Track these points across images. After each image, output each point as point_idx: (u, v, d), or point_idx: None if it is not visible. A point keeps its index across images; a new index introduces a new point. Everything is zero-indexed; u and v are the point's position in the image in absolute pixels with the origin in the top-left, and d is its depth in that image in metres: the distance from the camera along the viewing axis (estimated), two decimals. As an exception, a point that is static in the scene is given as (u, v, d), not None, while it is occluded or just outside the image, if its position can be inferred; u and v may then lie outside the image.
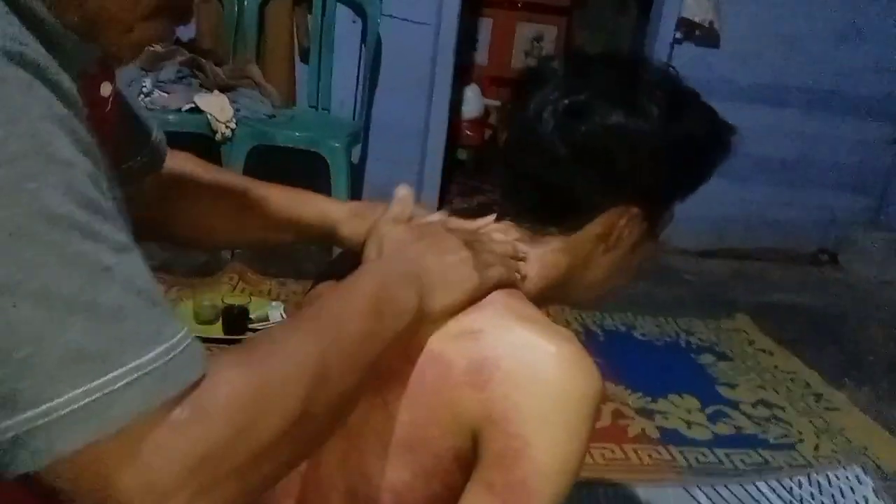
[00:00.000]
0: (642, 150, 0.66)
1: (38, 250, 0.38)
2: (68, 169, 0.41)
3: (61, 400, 0.38)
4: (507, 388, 0.59)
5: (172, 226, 0.84)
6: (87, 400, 0.38)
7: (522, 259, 0.71)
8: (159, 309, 0.43)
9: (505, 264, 0.68)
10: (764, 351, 2.49)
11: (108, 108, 0.59)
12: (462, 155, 4.02)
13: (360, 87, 2.88)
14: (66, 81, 0.43)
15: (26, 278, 0.38)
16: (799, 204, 3.48)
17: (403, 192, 0.73)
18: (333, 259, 0.87)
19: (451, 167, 3.45)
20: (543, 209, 0.71)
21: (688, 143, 0.69)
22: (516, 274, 0.70)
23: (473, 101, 4.04)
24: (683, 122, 0.68)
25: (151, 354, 0.41)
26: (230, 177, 0.86)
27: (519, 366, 0.59)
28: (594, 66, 0.70)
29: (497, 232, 0.73)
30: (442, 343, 0.63)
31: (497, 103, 4.27)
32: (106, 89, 0.58)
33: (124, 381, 0.39)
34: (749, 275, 3.25)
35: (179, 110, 2.43)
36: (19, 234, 0.38)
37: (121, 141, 0.71)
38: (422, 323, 0.61)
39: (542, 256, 0.72)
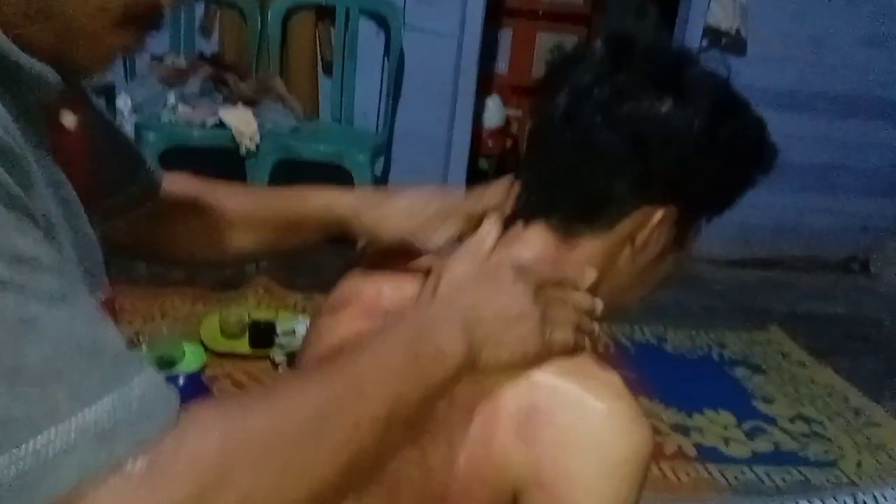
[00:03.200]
0: (689, 144, 0.61)
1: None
2: None
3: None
4: (557, 447, 0.56)
5: (177, 247, 0.82)
6: (14, 469, 0.35)
7: (594, 322, 0.64)
8: (107, 359, 0.39)
9: (576, 327, 0.61)
10: (799, 363, 2.44)
11: (72, 139, 0.55)
12: (484, 165, 3.99)
13: (383, 99, 2.87)
14: (2, 125, 0.40)
15: None
16: (828, 211, 3.41)
17: (489, 227, 0.65)
18: (335, 291, 0.80)
19: (472, 177, 3.42)
20: (576, 204, 0.65)
21: (732, 148, 0.64)
22: (586, 341, 0.63)
23: (495, 111, 4.00)
24: (731, 124, 0.63)
25: (95, 413, 0.37)
26: (228, 188, 0.84)
27: (572, 424, 0.56)
28: (639, 52, 0.64)
29: (579, 291, 0.65)
30: (496, 381, 0.59)
31: (518, 113, 4.24)
32: (68, 119, 0.55)
33: (59, 447, 0.36)
34: (779, 284, 3.19)
35: (204, 125, 2.43)
36: None
37: (109, 171, 0.69)
38: (470, 374, 0.56)
39: (577, 265, 0.66)
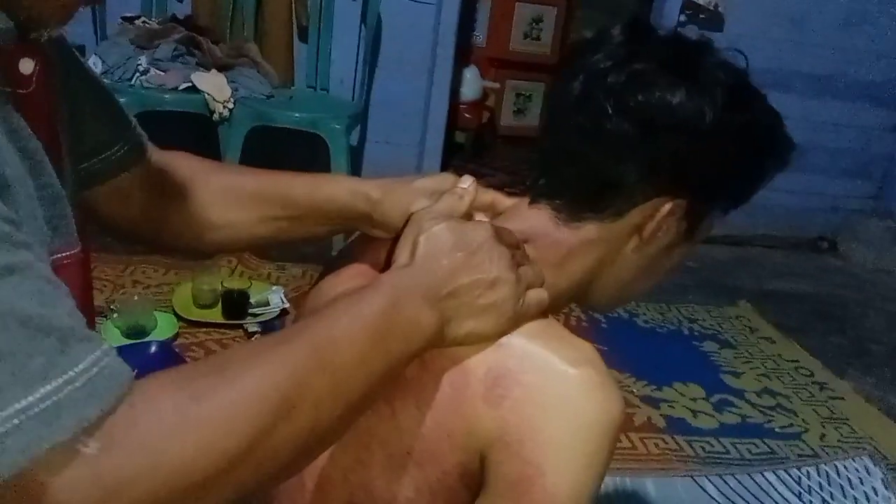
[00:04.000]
0: (700, 134, 0.61)
1: None
2: None
3: None
4: (524, 409, 0.55)
5: (167, 226, 0.77)
6: None
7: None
8: (54, 337, 0.37)
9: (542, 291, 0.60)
10: (766, 339, 2.48)
11: (32, 87, 0.52)
12: (460, 138, 3.97)
13: (360, 67, 2.83)
14: None
15: None
16: (801, 190, 3.45)
17: (468, 183, 0.64)
18: (344, 247, 0.81)
19: (449, 150, 3.40)
20: (583, 189, 0.65)
21: (744, 139, 0.63)
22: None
23: (472, 83, 3.98)
24: (747, 116, 0.63)
25: (39, 393, 0.35)
26: (239, 170, 0.81)
27: (540, 387, 0.56)
28: (657, 39, 0.65)
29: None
30: (465, 347, 0.58)
31: (496, 85, 4.22)
32: (26, 66, 0.51)
33: (3, 429, 0.34)
34: (750, 261, 3.24)
35: (176, 89, 2.37)
36: None
37: (87, 131, 0.66)
38: (438, 348, 0.56)
39: (575, 247, 0.67)
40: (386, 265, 0.59)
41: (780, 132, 0.67)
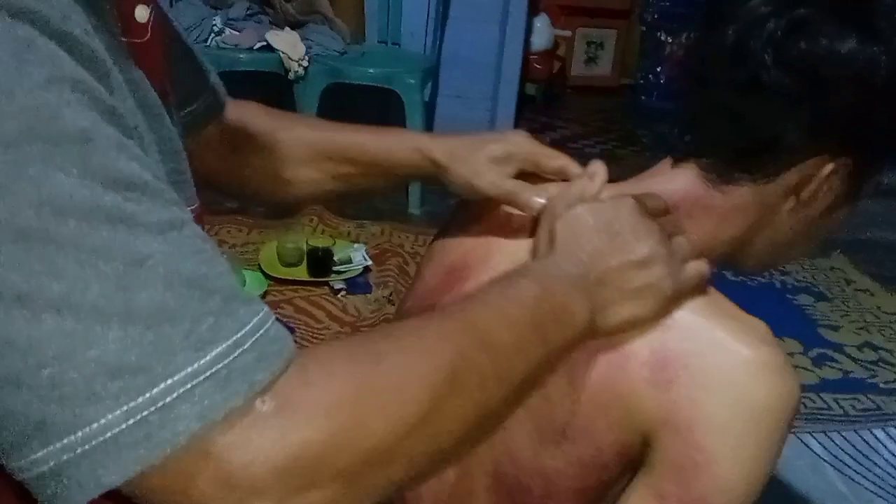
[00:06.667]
0: (872, 85, 0.55)
1: (50, 251, 0.32)
2: (83, 143, 0.33)
3: (99, 424, 0.32)
4: (694, 393, 0.52)
5: (245, 180, 0.78)
6: (131, 421, 0.32)
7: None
8: (219, 297, 0.35)
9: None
10: (864, 291, 2.36)
11: (147, 36, 0.49)
12: (530, 90, 3.87)
13: (431, 20, 2.77)
14: (80, 25, 0.35)
15: (41, 286, 0.31)
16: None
17: (596, 167, 0.61)
18: (454, 210, 0.77)
19: (519, 102, 3.32)
20: (735, 149, 0.60)
21: None
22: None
23: (543, 33, 3.85)
24: None
25: (209, 357, 0.34)
26: (313, 123, 0.80)
27: (710, 369, 0.52)
28: None
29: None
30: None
31: (567, 33, 4.08)
32: (142, 13, 0.48)
33: (176, 394, 0.33)
34: (841, 210, 3.08)
35: (251, 49, 2.37)
36: (26, 234, 0.31)
37: (178, 81, 0.64)
38: (593, 338, 0.52)
39: (728, 212, 0.61)
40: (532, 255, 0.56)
41: None
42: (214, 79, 0.73)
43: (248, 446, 0.34)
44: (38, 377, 0.32)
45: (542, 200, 0.61)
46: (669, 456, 0.53)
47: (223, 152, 0.75)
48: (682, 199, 0.61)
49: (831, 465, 1.53)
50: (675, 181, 0.62)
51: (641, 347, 0.54)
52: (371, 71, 2.44)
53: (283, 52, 2.36)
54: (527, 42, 3.65)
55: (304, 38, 2.42)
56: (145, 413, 0.32)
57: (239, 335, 0.35)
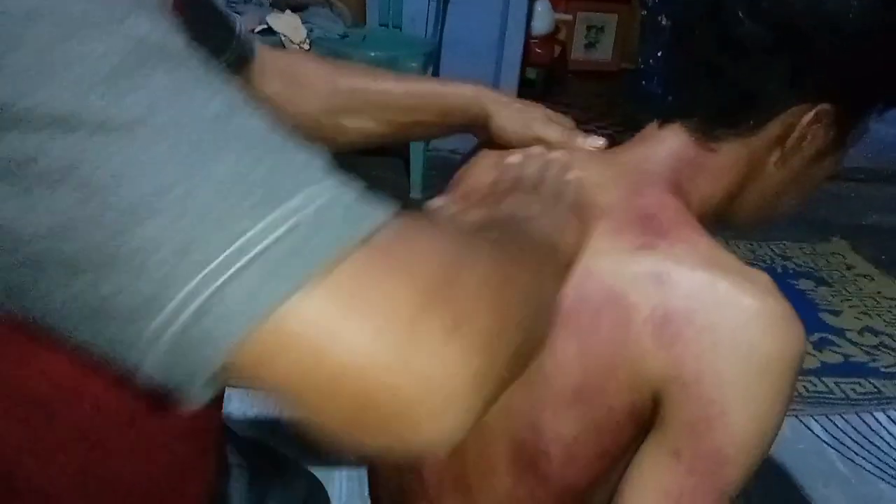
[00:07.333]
0: (843, 32, 0.55)
1: (163, 75, 0.30)
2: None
3: (244, 239, 0.29)
4: (701, 347, 0.52)
5: (306, 131, 0.78)
6: (271, 237, 0.29)
7: None
8: (299, 160, 0.32)
9: None
10: (864, 276, 2.37)
11: None
12: (531, 74, 3.85)
13: (432, 4, 2.75)
14: None
15: (152, 112, 0.29)
16: (892, 120, 3.25)
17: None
18: (475, 147, 0.79)
19: (520, 87, 3.31)
20: (717, 103, 0.61)
21: None
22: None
23: (543, 16, 3.82)
24: None
25: (332, 180, 0.31)
26: (363, 71, 0.81)
27: (716, 323, 0.52)
28: None
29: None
30: (622, 282, 0.55)
31: (568, 17, 4.06)
32: None
33: (314, 206, 0.30)
34: (841, 195, 3.07)
35: (252, 31, 2.35)
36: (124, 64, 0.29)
37: (203, 37, 0.64)
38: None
39: (719, 170, 0.62)
40: None
41: None
42: (241, 28, 0.72)
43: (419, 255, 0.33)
44: (165, 198, 0.28)
45: (601, 142, 0.69)
46: (681, 412, 0.53)
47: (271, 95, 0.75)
48: (677, 162, 0.62)
49: (832, 448, 1.54)
50: (664, 144, 0.63)
51: (642, 303, 0.54)
52: (372, 54, 2.43)
53: (283, 35, 2.34)
54: (528, 26, 3.63)
55: (304, 21, 2.41)
56: (288, 225, 0.29)
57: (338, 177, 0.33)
